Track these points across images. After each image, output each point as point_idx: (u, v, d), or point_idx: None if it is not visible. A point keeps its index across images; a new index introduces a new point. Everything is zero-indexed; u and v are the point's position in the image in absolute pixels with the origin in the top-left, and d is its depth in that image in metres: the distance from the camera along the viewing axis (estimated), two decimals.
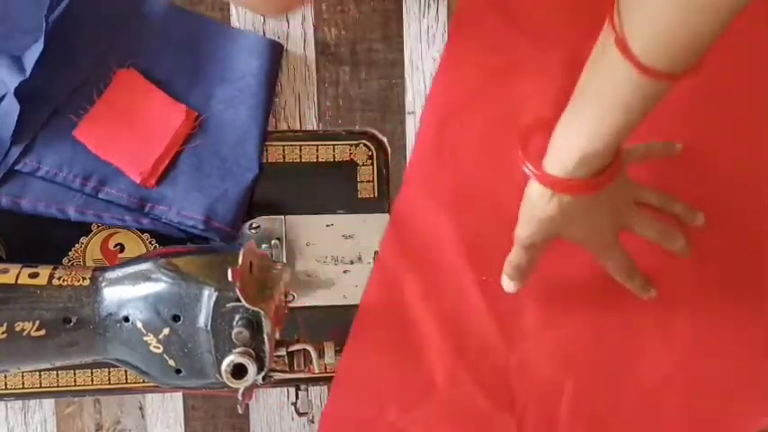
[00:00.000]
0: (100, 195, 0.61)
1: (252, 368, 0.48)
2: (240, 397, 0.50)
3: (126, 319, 0.50)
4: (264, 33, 0.66)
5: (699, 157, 0.67)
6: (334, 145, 0.67)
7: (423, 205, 0.67)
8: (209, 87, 0.64)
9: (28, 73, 0.58)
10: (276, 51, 0.65)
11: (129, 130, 0.62)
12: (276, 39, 0.66)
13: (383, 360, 0.66)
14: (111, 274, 0.52)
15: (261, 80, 0.64)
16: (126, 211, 0.62)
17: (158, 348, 0.50)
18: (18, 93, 0.58)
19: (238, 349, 0.48)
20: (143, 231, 0.64)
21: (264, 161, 0.65)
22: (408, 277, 0.67)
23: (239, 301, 0.47)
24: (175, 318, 0.49)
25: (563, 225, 0.59)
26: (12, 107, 0.59)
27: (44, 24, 0.58)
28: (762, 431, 0.69)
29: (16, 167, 0.60)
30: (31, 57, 0.58)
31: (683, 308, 0.68)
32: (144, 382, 0.64)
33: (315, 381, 0.67)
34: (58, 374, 0.64)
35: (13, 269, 0.52)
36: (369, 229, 0.67)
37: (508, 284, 0.64)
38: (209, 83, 0.64)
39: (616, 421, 0.68)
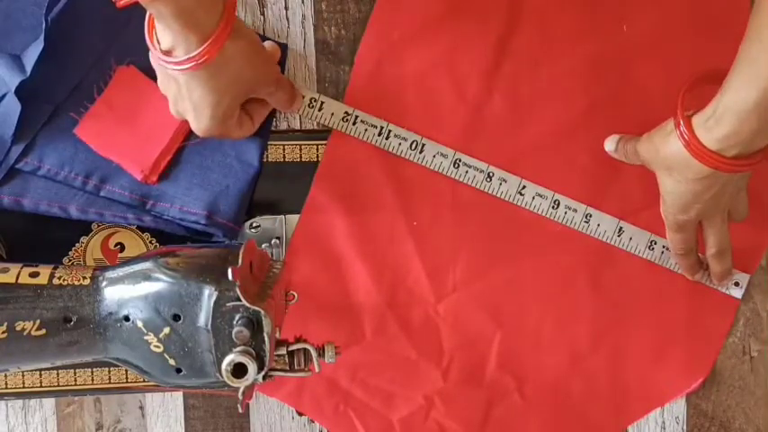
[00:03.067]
0: (101, 193, 0.61)
1: (252, 367, 0.48)
2: (240, 396, 0.50)
3: (126, 318, 0.50)
4: (264, 32, 0.66)
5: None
6: None
7: (355, 147, 0.66)
8: None
9: (28, 72, 0.58)
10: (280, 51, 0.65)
11: (130, 127, 0.62)
12: (276, 38, 0.66)
13: (311, 305, 0.65)
14: (111, 274, 0.52)
15: None
16: (128, 209, 0.62)
17: (159, 347, 0.50)
18: (18, 92, 0.58)
19: (238, 348, 0.48)
20: (144, 230, 0.64)
21: (264, 161, 0.65)
22: (339, 219, 0.66)
23: (239, 300, 0.47)
24: (176, 317, 0.49)
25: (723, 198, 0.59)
26: (12, 106, 0.59)
27: (43, 23, 0.58)
28: (690, 394, 0.69)
29: (17, 166, 0.60)
30: (30, 55, 0.59)
31: (615, 268, 0.68)
32: (144, 381, 0.64)
33: None
34: (58, 374, 0.64)
35: (14, 268, 0.52)
36: None
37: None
38: None
39: (542, 379, 0.68)
